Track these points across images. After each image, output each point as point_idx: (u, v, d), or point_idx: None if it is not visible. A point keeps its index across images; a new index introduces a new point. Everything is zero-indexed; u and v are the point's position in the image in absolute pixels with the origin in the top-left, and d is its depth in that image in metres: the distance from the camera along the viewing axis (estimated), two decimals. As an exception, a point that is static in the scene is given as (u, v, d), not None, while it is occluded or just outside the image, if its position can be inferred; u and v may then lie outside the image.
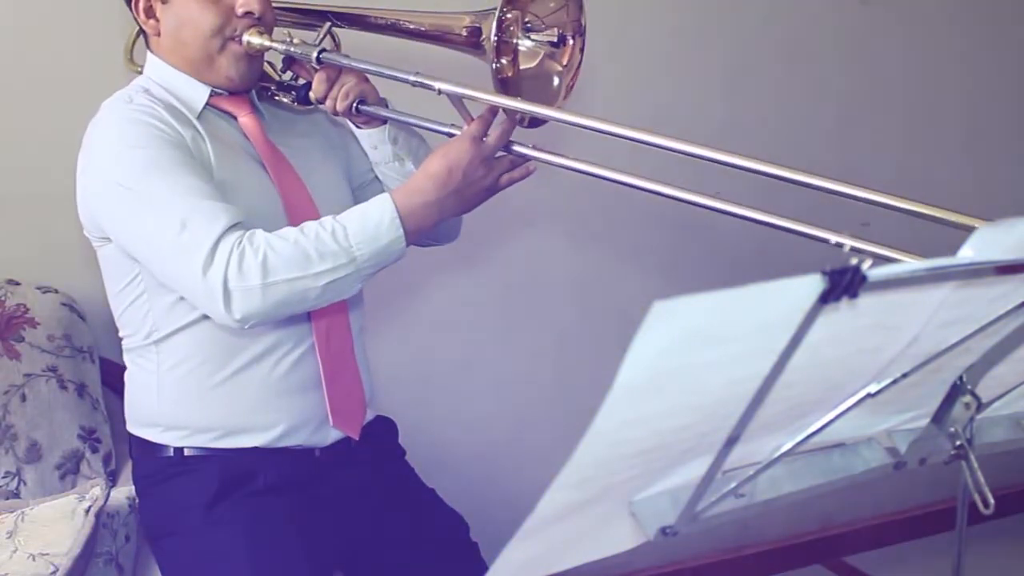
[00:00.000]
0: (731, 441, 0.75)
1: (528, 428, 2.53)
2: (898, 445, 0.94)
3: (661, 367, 0.64)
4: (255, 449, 1.45)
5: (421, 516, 1.59)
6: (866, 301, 0.65)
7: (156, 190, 1.32)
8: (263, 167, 1.47)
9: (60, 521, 1.57)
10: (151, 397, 1.47)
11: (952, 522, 1.10)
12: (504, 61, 1.41)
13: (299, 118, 1.60)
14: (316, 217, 1.36)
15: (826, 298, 0.63)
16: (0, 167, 1.97)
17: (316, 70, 1.46)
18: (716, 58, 2.64)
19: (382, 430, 1.61)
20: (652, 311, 0.59)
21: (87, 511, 1.59)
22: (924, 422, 0.92)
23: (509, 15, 1.39)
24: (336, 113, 1.47)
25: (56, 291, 1.89)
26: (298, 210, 1.44)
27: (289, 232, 1.30)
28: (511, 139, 1.36)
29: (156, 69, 1.48)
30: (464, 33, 1.41)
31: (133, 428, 1.52)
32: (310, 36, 1.52)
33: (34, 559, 1.50)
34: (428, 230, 1.37)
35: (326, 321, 1.48)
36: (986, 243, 0.69)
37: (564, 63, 1.43)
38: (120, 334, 1.52)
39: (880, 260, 0.73)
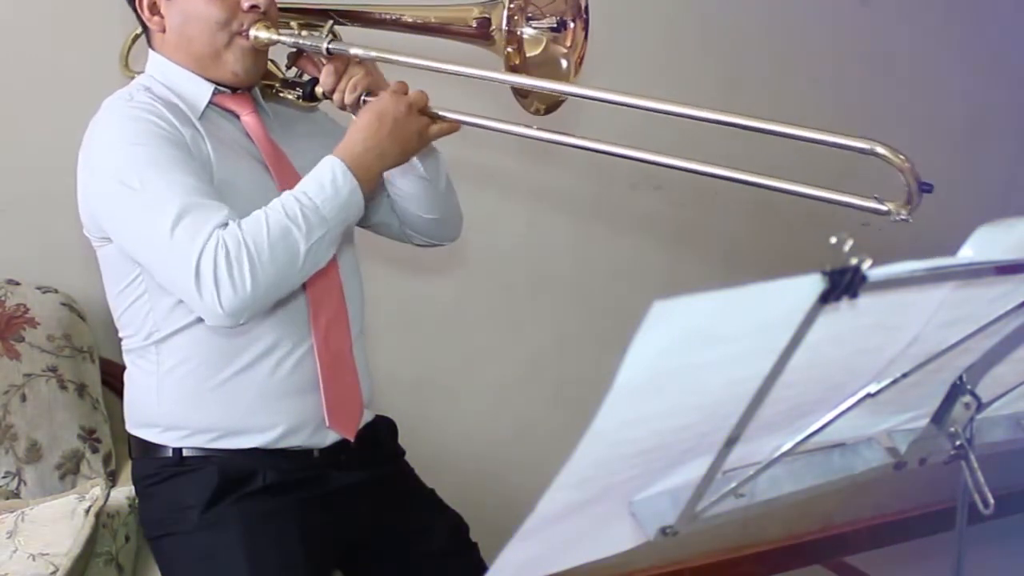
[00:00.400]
0: (731, 441, 0.75)
1: (528, 428, 2.53)
2: (898, 445, 0.94)
3: (661, 367, 0.64)
4: (254, 450, 1.45)
5: (421, 516, 1.59)
6: (866, 301, 0.65)
7: (153, 187, 1.32)
8: (264, 166, 1.47)
9: (60, 521, 1.57)
10: (151, 397, 1.47)
11: (952, 522, 1.10)
12: (511, 50, 1.41)
13: (300, 118, 1.60)
14: None
15: (826, 298, 0.63)
16: (0, 167, 1.97)
17: (323, 63, 1.47)
18: (715, 58, 2.63)
19: (382, 430, 1.61)
20: (652, 311, 0.59)
21: (87, 511, 1.59)
22: (924, 422, 0.92)
23: (514, 3, 1.39)
24: (344, 106, 1.47)
25: (56, 291, 1.89)
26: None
27: (256, 215, 1.31)
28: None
29: (159, 67, 1.48)
30: (474, 24, 1.42)
31: (133, 428, 1.52)
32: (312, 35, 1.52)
33: (34, 559, 1.50)
34: (377, 178, 1.42)
35: (326, 322, 1.48)
36: (986, 243, 0.70)
37: (568, 44, 1.46)
38: (120, 335, 1.51)
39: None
